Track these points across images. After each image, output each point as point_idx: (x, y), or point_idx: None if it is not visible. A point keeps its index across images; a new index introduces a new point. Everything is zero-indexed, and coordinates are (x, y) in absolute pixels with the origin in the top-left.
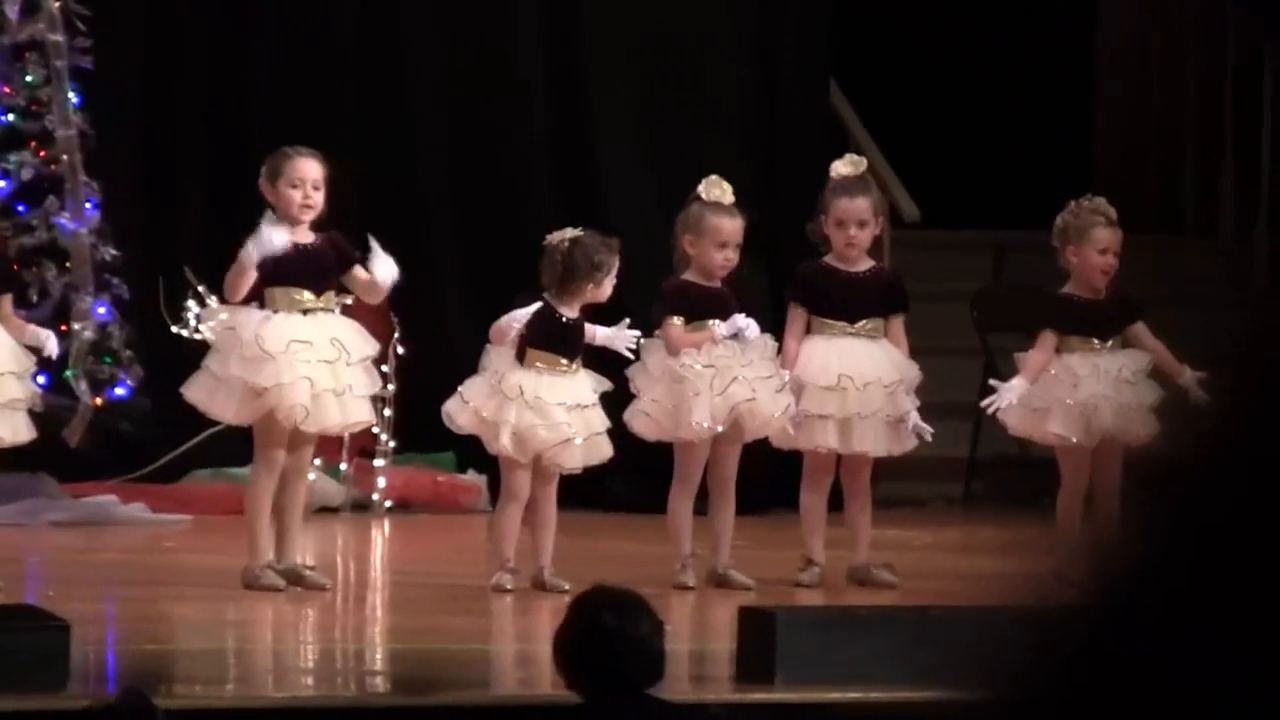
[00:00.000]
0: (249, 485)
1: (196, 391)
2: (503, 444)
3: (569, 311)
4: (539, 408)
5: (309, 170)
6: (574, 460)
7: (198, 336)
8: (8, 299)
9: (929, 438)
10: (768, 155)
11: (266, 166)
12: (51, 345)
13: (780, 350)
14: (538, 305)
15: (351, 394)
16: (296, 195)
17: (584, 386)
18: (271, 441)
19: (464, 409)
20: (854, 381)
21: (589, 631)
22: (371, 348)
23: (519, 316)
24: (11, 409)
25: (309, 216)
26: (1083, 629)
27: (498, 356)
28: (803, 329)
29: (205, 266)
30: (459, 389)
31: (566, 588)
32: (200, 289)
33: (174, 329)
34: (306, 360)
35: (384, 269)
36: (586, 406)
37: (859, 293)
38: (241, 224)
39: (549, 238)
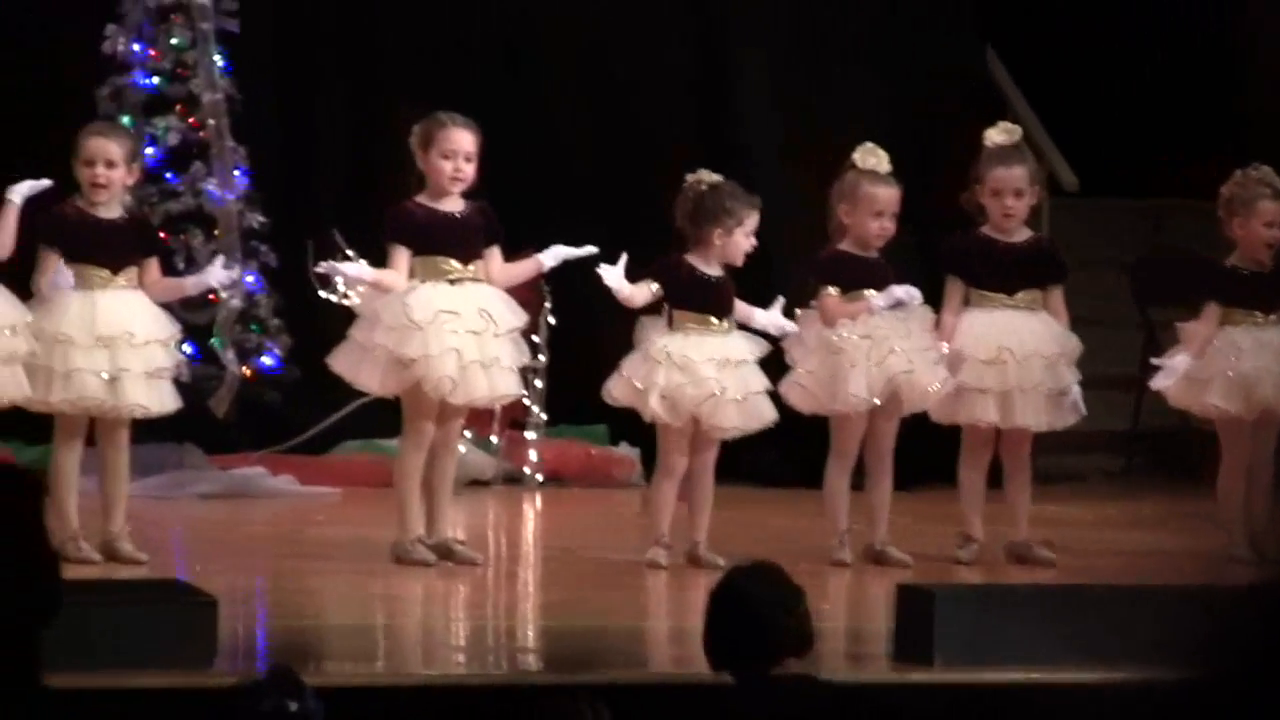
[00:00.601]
0: (398, 458)
1: (342, 361)
2: (652, 407)
3: (708, 268)
4: (686, 366)
5: (462, 141)
6: (730, 419)
7: (345, 302)
8: (154, 264)
9: (1083, 411)
10: (923, 124)
11: (419, 132)
12: (217, 275)
13: (937, 323)
14: (622, 261)
15: (499, 366)
16: (448, 166)
17: (737, 344)
18: (420, 413)
19: (619, 381)
20: (1014, 354)
21: (725, 608)
22: (520, 319)
23: (617, 277)
24: (158, 377)
25: (459, 188)
26: (1264, 609)
27: (650, 326)
28: (960, 301)
29: (350, 231)
30: (619, 366)
31: (722, 563)
32: (350, 253)
33: (322, 294)
34: (454, 331)
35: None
36: (740, 364)
37: (1017, 263)
38: (385, 188)
39: (688, 178)
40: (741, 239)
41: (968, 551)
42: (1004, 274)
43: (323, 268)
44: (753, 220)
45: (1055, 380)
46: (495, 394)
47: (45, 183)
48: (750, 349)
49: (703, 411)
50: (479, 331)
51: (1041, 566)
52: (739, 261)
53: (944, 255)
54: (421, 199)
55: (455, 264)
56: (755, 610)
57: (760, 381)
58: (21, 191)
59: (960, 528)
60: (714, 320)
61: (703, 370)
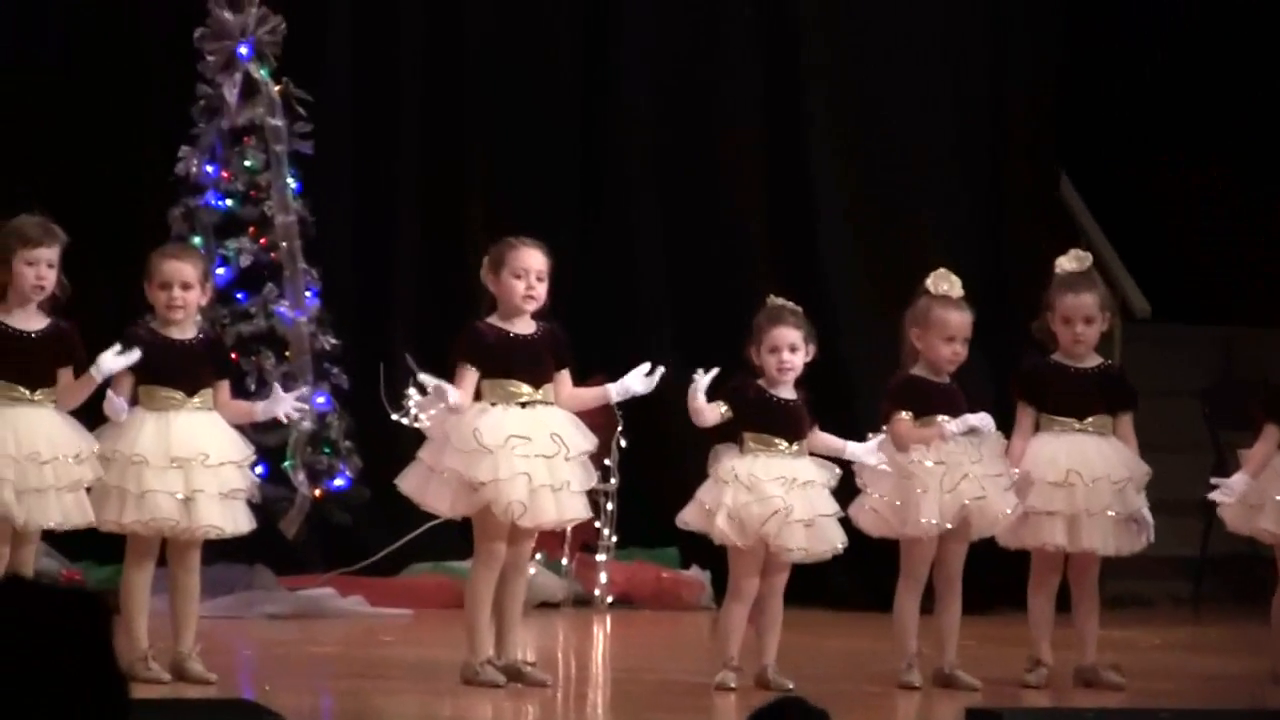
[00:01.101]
0: (469, 579)
1: (411, 483)
2: (719, 527)
3: (777, 390)
4: (753, 486)
5: (533, 261)
6: (796, 540)
7: (417, 425)
8: (225, 386)
9: (1152, 538)
10: (995, 248)
11: (490, 255)
12: (286, 407)
13: (1008, 449)
14: (713, 373)
15: (569, 489)
16: (520, 286)
17: (806, 467)
18: (491, 535)
19: (693, 507)
20: (1082, 477)
21: None
22: (590, 442)
23: (698, 387)
24: (232, 499)
25: (532, 307)
26: None
27: (724, 452)
28: (1030, 427)
29: (422, 354)
30: (696, 493)
31: (790, 686)
32: (422, 377)
33: (394, 416)
34: (525, 455)
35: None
36: (807, 485)
37: (1086, 389)
38: (458, 312)
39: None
40: (769, 357)
41: (1036, 676)
42: (1074, 399)
43: (426, 380)
44: (776, 336)
45: (1123, 505)
46: (564, 517)
47: (134, 356)
48: (820, 473)
49: (768, 530)
50: (550, 455)
51: (1110, 690)
52: (776, 382)
53: (1015, 381)
54: (493, 320)
55: (526, 387)
56: None
57: (830, 505)
58: (106, 367)
59: (1030, 651)
60: (782, 443)
61: (769, 489)
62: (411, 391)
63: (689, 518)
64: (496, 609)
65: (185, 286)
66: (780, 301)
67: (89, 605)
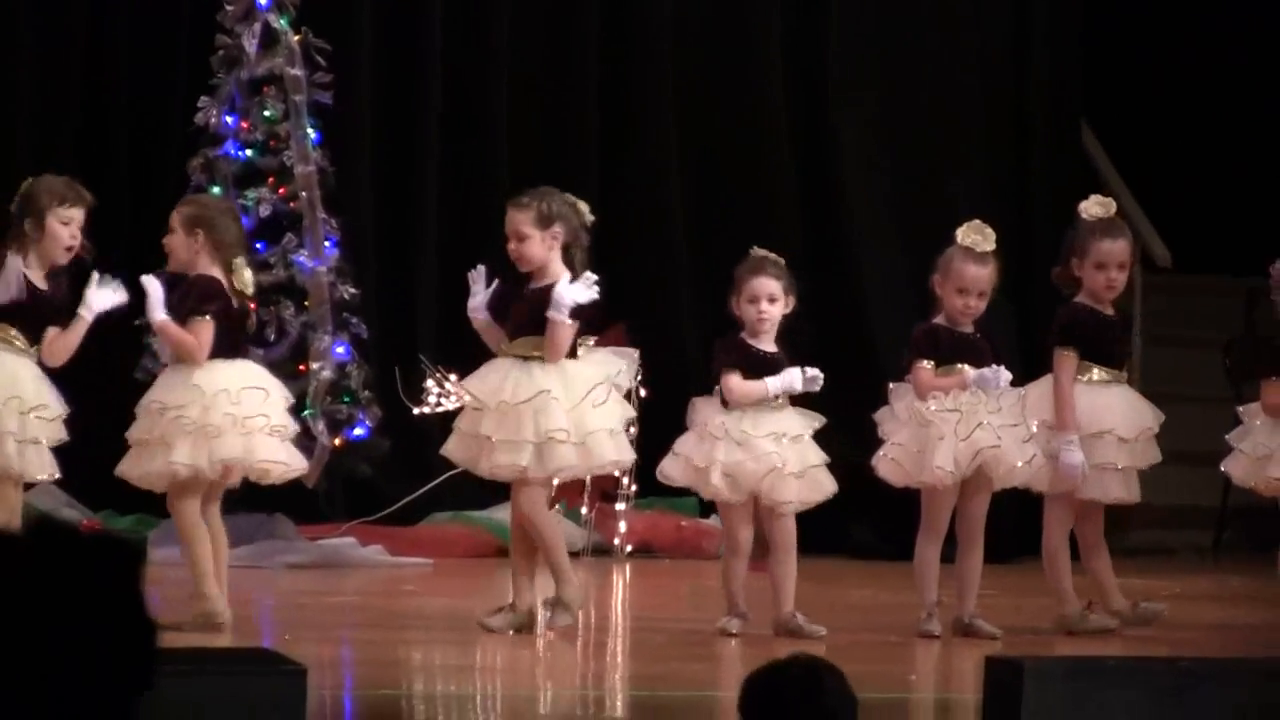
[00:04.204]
0: (543, 528)
1: (458, 451)
2: (714, 485)
3: (762, 345)
4: (745, 442)
5: (510, 221)
6: (790, 493)
7: (439, 410)
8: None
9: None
10: (1019, 199)
11: (557, 213)
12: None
13: (1059, 396)
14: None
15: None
16: (510, 247)
17: (793, 420)
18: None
19: (675, 461)
20: (1151, 430)
21: (756, 703)
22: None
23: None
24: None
25: (523, 268)
26: None
27: (703, 406)
28: (1074, 373)
29: (442, 304)
30: (673, 446)
31: (822, 633)
32: (438, 372)
33: (416, 412)
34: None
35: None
36: (798, 439)
37: (1117, 337)
38: (476, 259)
39: None
40: (748, 307)
41: (1100, 619)
42: (1110, 346)
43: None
44: (755, 286)
45: (1142, 458)
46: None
47: (121, 292)
48: (806, 424)
49: (763, 487)
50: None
51: (1157, 619)
52: (756, 333)
53: (1061, 328)
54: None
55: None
56: (797, 704)
57: (818, 455)
58: (97, 304)
59: (1088, 598)
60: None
61: (763, 446)
62: (429, 384)
63: (674, 473)
64: (525, 558)
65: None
66: (762, 253)
67: (120, 550)
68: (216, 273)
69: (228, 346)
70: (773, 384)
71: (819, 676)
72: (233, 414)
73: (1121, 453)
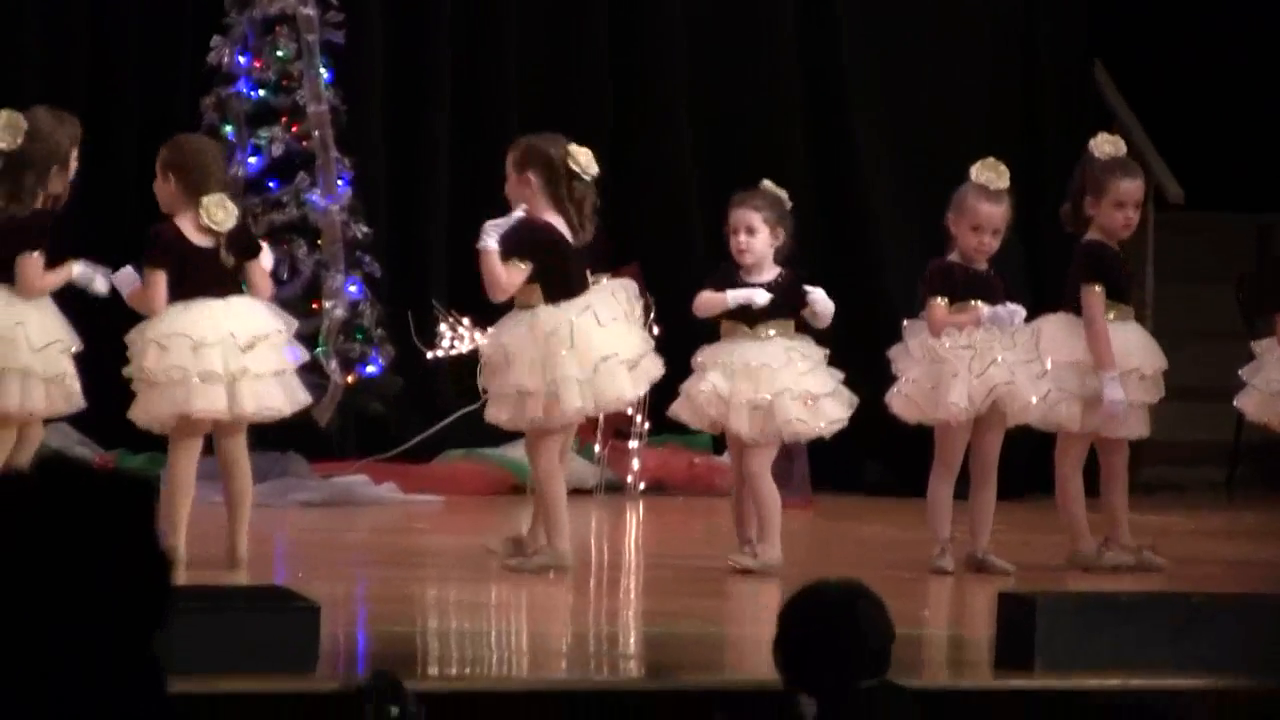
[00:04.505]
0: (542, 472)
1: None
2: (740, 423)
3: (751, 276)
4: (760, 376)
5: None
6: (809, 425)
7: (453, 353)
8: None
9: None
10: (1029, 137)
11: (531, 155)
12: (99, 284)
13: (1093, 333)
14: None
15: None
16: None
17: (798, 350)
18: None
19: (686, 402)
20: (1151, 366)
21: (800, 627)
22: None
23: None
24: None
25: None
26: None
27: (707, 346)
28: (1103, 309)
29: (454, 243)
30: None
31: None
32: (451, 315)
33: (429, 355)
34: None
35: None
36: (812, 368)
37: (1129, 273)
38: (490, 199)
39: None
40: (731, 239)
41: (1115, 556)
42: (1127, 283)
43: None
44: (734, 218)
45: (1149, 394)
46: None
47: (100, 288)
48: (814, 351)
49: (783, 423)
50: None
51: (1149, 571)
52: (740, 264)
53: (1086, 265)
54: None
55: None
56: (835, 631)
57: (825, 383)
58: (82, 277)
59: (1102, 535)
60: (746, 327)
61: (784, 379)
62: (442, 329)
63: (686, 415)
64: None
65: None
66: (761, 186)
67: (133, 487)
68: (187, 216)
69: (194, 290)
70: (732, 295)
71: (856, 600)
72: (184, 366)
73: (1141, 389)
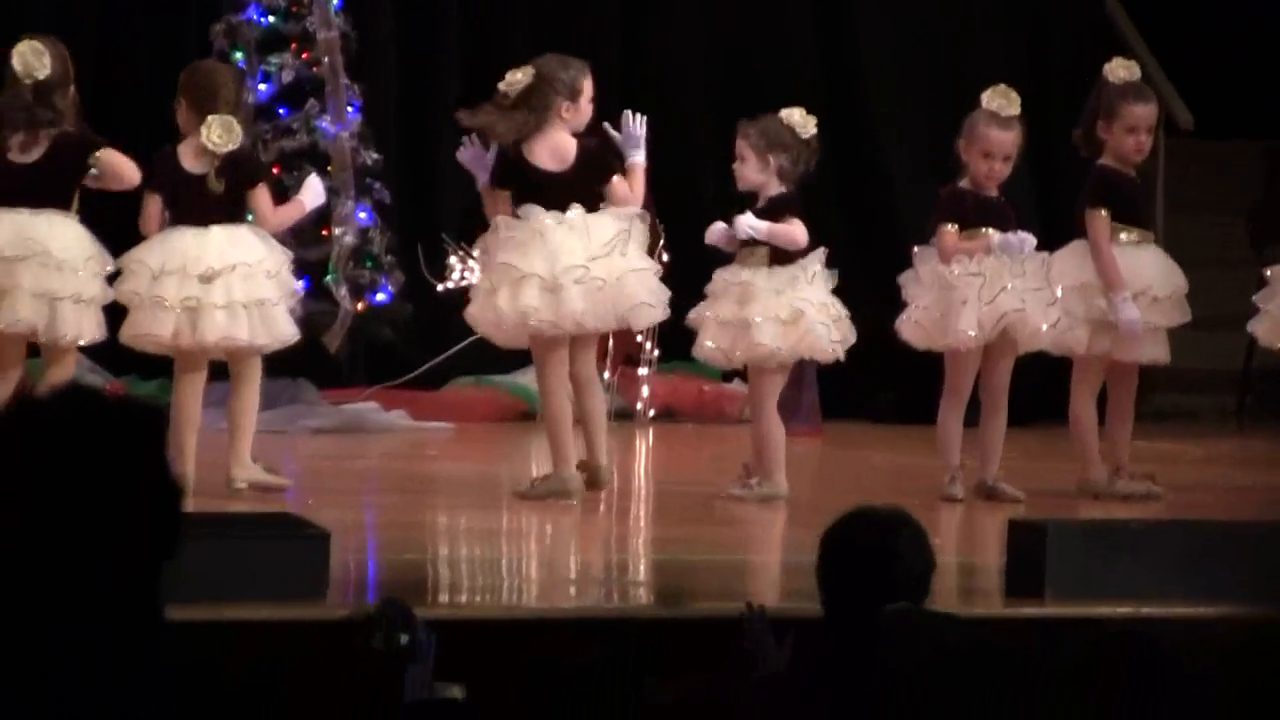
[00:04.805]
0: (546, 397)
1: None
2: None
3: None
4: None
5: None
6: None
7: (464, 284)
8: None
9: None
10: (1039, 63)
11: (562, 77)
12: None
13: (1100, 256)
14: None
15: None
16: (590, 109)
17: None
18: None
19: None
20: (1181, 290)
21: (845, 551)
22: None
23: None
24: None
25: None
26: None
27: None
28: (1109, 234)
29: (464, 170)
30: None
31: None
32: (460, 247)
33: (440, 288)
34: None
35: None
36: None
37: (1142, 198)
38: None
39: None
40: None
41: (1131, 484)
42: (1139, 208)
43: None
44: (740, 145)
45: (1171, 318)
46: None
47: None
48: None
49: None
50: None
51: (1148, 500)
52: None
53: (1092, 190)
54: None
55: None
56: (878, 555)
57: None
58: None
59: (1108, 464)
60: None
61: (816, 302)
62: (452, 261)
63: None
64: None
65: None
66: (771, 114)
67: (143, 415)
68: (192, 141)
69: (179, 217)
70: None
71: (899, 527)
72: (138, 292)
73: (1155, 312)
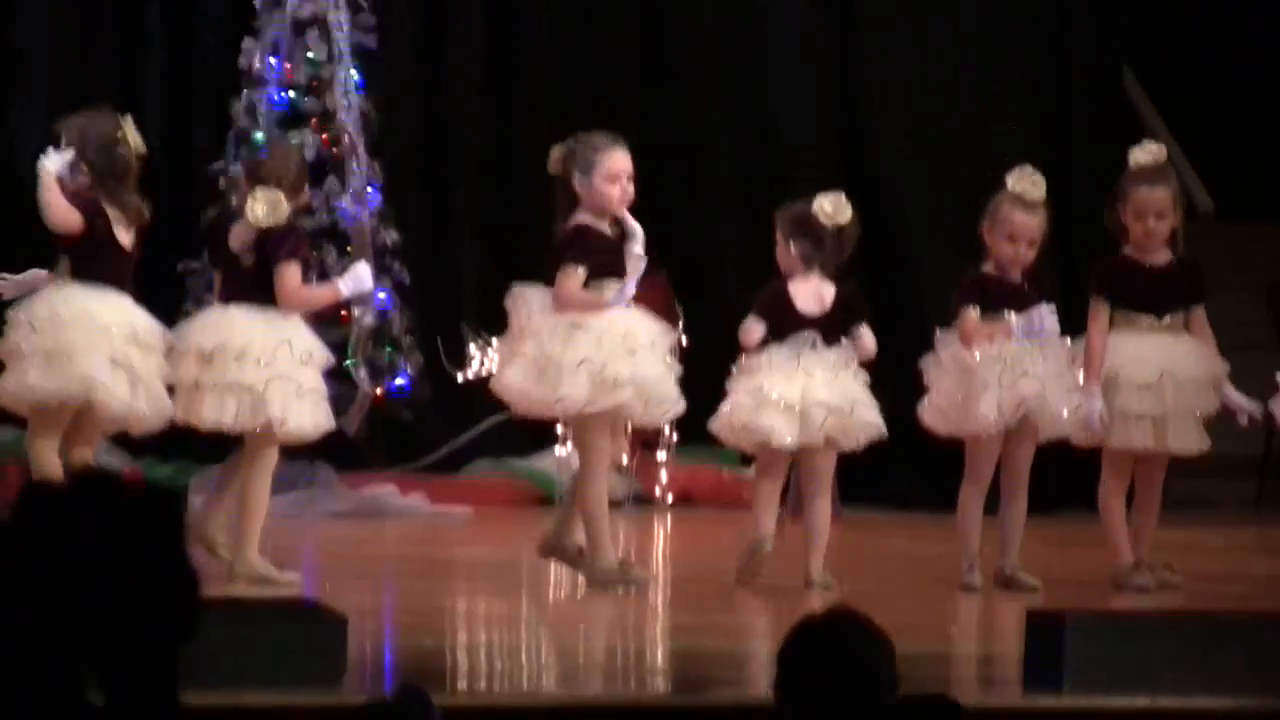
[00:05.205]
0: (587, 485)
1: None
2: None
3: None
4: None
5: (624, 163)
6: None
7: (485, 374)
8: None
9: (1257, 415)
10: (1060, 145)
11: (576, 159)
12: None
13: (1087, 345)
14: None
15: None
16: (614, 191)
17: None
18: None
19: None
20: (1174, 379)
21: (797, 664)
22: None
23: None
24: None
25: (623, 210)
26: None
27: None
28: (1107, 322)
29: (484, 251)
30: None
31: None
32: (481, 336)
33: (459, 378)
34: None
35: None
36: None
37: (1163, 285)
38: (520, 207)
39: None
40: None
41: (1142, 579)
42: (1153, 296)
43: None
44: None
45: (1207, 404)
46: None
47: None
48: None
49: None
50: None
51: (1169, 589)
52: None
53: (1093, 275)
54: (586, 221)
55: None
56: (833, 668)
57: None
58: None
59: (1116, 558)
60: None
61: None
62: (472, 350)
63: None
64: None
65: None
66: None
67: (161, 501)
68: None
69: (225, 290)
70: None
71: (850, 629)
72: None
73: (1146, 399)
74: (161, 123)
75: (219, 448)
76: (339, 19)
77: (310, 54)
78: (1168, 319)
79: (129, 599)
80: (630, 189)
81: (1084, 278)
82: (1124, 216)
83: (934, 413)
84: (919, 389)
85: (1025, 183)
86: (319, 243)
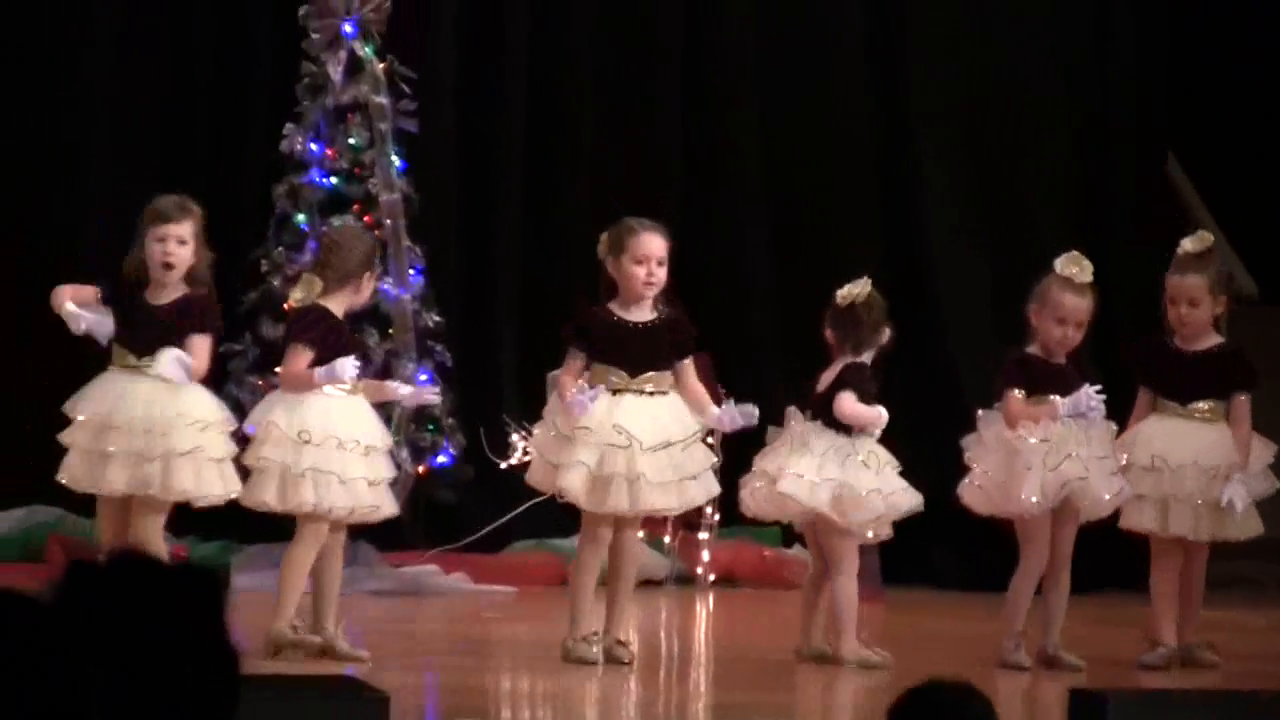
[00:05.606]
0: (576, 558)
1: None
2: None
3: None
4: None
5: (654, 247)
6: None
7: (526, 461)
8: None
9: (1239, 505)
10: (1102, 230)
11: (610, 238)
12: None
13: (1126, 429)
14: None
15: (644, 481)
16: (640, 272)
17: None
18: (592, 516)
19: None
20: (1168, 463)
21: None
22: (686, 432)
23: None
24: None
25: (651, 294)
26: None
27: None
28: (1146, 408)
29: (527, 335)
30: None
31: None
32: (523, 427)
33: (502, 465)
34: (593, 445)
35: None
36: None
37: (1194, 373)
38: (562, 289)
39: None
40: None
41: (1157, 656)
42: (1179, 383)
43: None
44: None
45: (1210, 492)
46: (639, 507)
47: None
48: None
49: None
50: (622, 447)
51: (1206, 668)
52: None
53: (1131, 362)
54: (613, 305)
55: (623, 375)
56: None
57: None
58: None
59: (1148, 634)
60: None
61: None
62: (514, 439)
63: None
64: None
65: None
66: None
67: (203, 580)
68: None
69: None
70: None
71: (968, 700)
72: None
73: (1149, 482)
74: (204, 207)
75: (264, 527)
76: (381, 103)
77: (352, 139)
78: (1194, 406)
79: (169, 675)
80: (660, 274)
81: (1122, 360)
82: (1164, 303)
83: (975, 493)
84: (957, 466)
85: (1074, 265)
86: (361, 326)
